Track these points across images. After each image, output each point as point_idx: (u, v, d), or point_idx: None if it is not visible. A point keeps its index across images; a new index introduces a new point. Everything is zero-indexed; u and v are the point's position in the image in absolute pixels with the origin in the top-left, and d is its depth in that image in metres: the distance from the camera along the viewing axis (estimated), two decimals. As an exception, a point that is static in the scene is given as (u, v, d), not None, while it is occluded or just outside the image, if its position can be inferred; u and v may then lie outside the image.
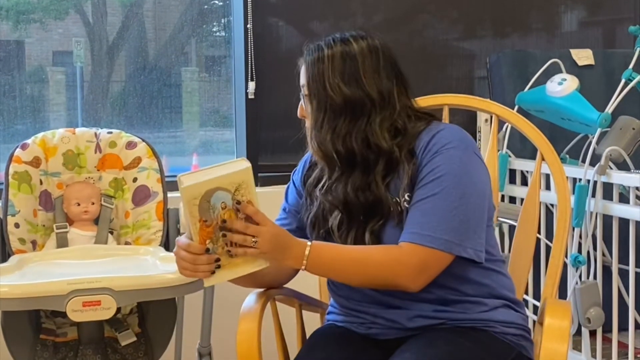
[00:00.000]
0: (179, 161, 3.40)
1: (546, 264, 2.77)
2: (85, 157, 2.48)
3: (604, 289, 2.78)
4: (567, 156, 3.20)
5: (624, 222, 2.71)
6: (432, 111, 1.83)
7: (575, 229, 2.77)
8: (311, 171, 1.86)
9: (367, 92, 1.71)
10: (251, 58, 3.16)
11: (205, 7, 3.37)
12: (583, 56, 3.43)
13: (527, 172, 3.09)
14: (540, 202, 2.21)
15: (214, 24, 3.43)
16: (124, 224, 2.46)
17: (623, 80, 2.81)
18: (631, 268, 2.69)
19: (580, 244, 2.80)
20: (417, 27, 3.47)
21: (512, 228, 2.90)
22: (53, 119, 3.19)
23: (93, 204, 2.42)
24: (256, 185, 1.67)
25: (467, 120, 3.27)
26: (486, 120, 3.30)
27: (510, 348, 1.71)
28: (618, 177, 2.70)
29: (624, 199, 2.78)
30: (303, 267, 1.63)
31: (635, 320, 2.77)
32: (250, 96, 3.17)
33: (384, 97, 1.72)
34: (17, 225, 2.33)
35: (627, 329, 2.73)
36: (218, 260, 1.56)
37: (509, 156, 3.15)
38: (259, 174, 3.09)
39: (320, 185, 1.78)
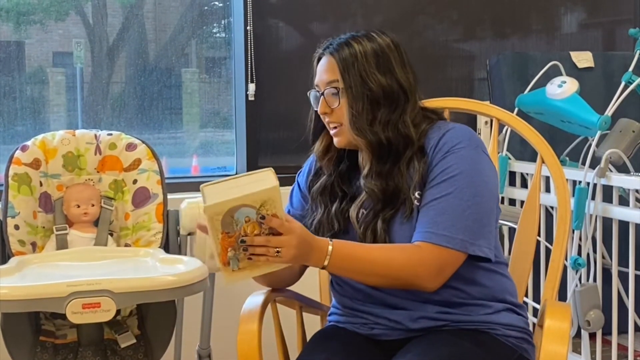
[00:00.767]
0: (179, 162, 3.40)
1: (546, 267, 2.77)
2: (85, 159, 2.48)
3: (603, 292, 2.78)
4: (567, 159, 3.20)
5: (623, 225, 2.71)
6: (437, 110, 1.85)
7: (575, 231, 2.77)
8: (317, 177, 1.86)
9: (400, 83, 1.75)
10: (251, 59, 3.16)
11: (206, 8, 3.37)
12: (583, 58, 3.43)
13: (527, 174, 3.09)
14: (540, 205, 2.21)
15: (214, 25, 3.43)
16: (123, 226, 2.46)
17: (623, 83, 2.81)
18: (631, 270, 2.69)
19: (580, 247, 2.80)
20: (417, 28, 3.47)
21: (512, 230, 2.90)
22: (53, 120, 3.19)
23: (93, 205, 2.42)
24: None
25: (466, 122, 3.26)
26: (486, 122, 3.30)
27: (512, 351, 1.72)
28: (618, 180, 2.70)
29: (623, 201, 2.78)
30: (324, 266, 1.63)
31: (635, 323, 2.77)
32: (250, 97, 3.17)
33: (411, 90, 1.77)
34: (16, 227, 2.33)
35: (626, 332, 2.73)
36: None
37: (509, 158, 3.15)
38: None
39: (363, 173, 1.78)
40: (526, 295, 2.91)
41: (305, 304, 1.99)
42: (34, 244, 2.37)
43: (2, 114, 3.07)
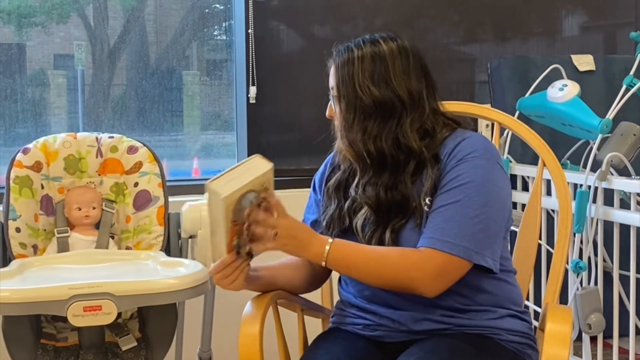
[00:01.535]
0: (180, 165, 3.40)
1: (547, 270, 2.77)
2: (87, 162, 2.48)
3: (604, 295, 2.78)
4: (568, 162, 3.20)
5: (624, 228, 2.71)
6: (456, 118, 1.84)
7: (576, 234, 2.77)
8: (333, 172, 1.87)
9: (396, 93, 1.72)
10: (252, 62, 3.16)
11: (207, 11, 3.37)
12: (584, 62, 3.43)
13: (528, 177, 3.08)
14: (541, 208, 2.21)
15: (215, 27, 3.44)
16: (125, 229, 2.46)
17: (624, 86, 2.81)
18: (632, 274, 2.69)
19: (581, 250, 2.80)
20: (418, 31, 3.47)
21: (513, 234, 2.89)
22: (54, 122, 3.20)
23: (94, 208, 2.42)
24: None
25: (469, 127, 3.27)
26: (487, 125, 3.30)
27: (515, 356, 1.72)
28: (619, 183, 2.70)
29: (624, 204, 2.78)
30: (323, 263, 1.67)
31: (636, 326, 2.77)
32: (252, 100, 3.17)
33: (413, 99, 1.74)
34: (18, 230, 2.33)
35: (627, 335, 2.73)
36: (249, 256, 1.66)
37: (510, 162, 3.15)
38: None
39: (353, 184, 1.79)
40: (527, 299, 2.91)
41: (306, 307, 1.99)
42: (35, 247, 2.37)
43: (3, 117, 3.07)
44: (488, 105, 3.02)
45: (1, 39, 3.12)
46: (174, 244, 2.44)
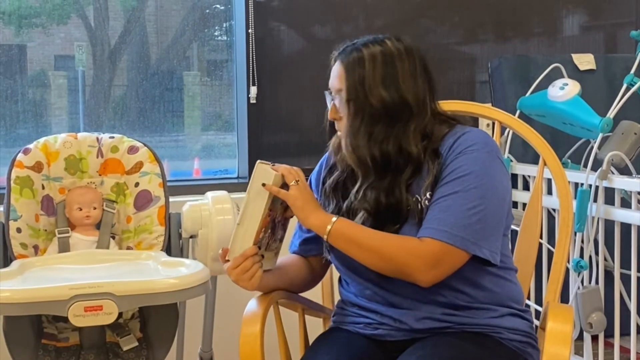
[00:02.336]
0: (180, 165, 3.40)
1: (548, 269, 2.77)
2: (87, 162, 2.48)
3: (605, 294, 2.78)
4: (569, 161, 3.20)
5: (625, 227, 2.71)
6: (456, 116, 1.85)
7: (577, 233, 2.77)
8: (330, 173, 1.87)
9: (404, 97, 1.72)
10: (253, 62, 3.16)
11: (207, 11, 3.37)
12: (585, 61, 3.43)
13: (529, 177, 3.08)
14: (542, 207, 2.21)
15: (216, 28, 3.44)
16: (125, 229, 2.46)
17: (625, 85, 2.81)
18: (633, 273, 2.69)
19: (582, 249, 2.79)
20: (419, 31, 3.47)
21: (513, 233, 2.89)
22: (55, 123, 3.20)
23: (95, 208, 2.42)
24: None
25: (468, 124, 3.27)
26: (488, 125, 3.30)
27: (516, 354, 1.71)
28: (620, 182, 2.70)
29: (625, 203, 2.78)
30: (325, 236, 1.70)
31: (638, 325, 2.77)
32: (252, 100, 3.17)
33: (419, 103, 1.74)
34: (19, 230, 2.33)
35: (629, 334, 2.73)
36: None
37: (511, 161, 3.15)
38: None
39: (354, 189, 1.79)
40: (528, 298, 2.91)
41: (307, 307, 1.99)
42: (36, 247, 2.37)
43: (4, 117, 3.08)
44: (489, 105, 3.03)
45: (2, 40, 3.12)
46: (174, 244, 2.44)
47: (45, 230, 2.41)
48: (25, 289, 1.97)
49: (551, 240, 2.91)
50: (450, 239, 1.63)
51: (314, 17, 3.32)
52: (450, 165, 1.69)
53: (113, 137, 2.52)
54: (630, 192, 2.71)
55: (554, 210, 2.96)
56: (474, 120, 3.27)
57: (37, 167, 2.41)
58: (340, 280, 1.92)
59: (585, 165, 2.83)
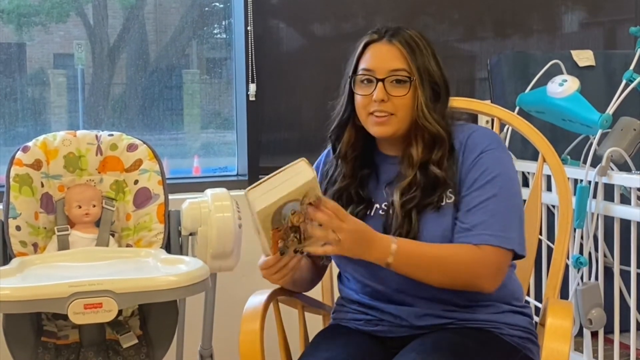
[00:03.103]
0: (180, 163, 3.40)
1: (548, 265, 2.77)
2: (87, 160, 2.48)
3: (605, 290, 2.78)
4: (569, 157, 3.20)
5: (625, 223, 2.71)
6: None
7: (577, 230, 2.77)
8: (332, 184, 1.85)
9: (446, 76, 1.79)
10: (252, 60, 3.16)
11: (206, 9, 3.37)
12: (584, 57, 3.43)
13: (529, 173, 3.08)
14: (541, 204, 2.21)
15: (215, 26, 3.44)
16: (125, 227, 2.46)
17: (624, 81, 2.81)
18: (633, 269, 2.69)
19: (581, 245, 2.80)
20: (418, 28, 3.43)
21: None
22: (54, 121, 3.20)
23: (94, 206, 2.42)
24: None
25: (467, 121, 3.27)
26: (487, 121, 3.30)
27: (516, 350, 1.72)
28: (619, 178, 2.70)
29: (625, 200, 2.78)
30: (388, 264, 1.63)
31: (637, 321, 2.77)
32: (251, 98, 3.17)
33: (447, 84, 1.81)
34: (18, 228, 2.33)
35: (628, 330, 2.73)
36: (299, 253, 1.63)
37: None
38: (260, 176, 3.09)
39: (362, 192, 1.80)
40: (528, 294, 2.91)
41: (307, 304, 1.99)
42: (35, 245, 2.37)
43: (3, 116, 3.08)
44: (488, 101, 3.02)
45: (1, 39, 3.12)
46: (174, 242, 2.44)
47: (45, 228, 2.40)
48: (25, 286, 1.97)
49: (551, 236, 2.91)
50: (507, 243, 1.67)
51: (313, 14, 3.32)
52: (476, 167, 1.72)
53: (112, 135, 2.52)
54: (630, 188, 2.71)
55: (554, 206, 2.96)
56: (473, 117, 3.27)
57: (36, 165, 2.41)
58: (339, 277, 1.92)
59: (585, 162, 2.83)
